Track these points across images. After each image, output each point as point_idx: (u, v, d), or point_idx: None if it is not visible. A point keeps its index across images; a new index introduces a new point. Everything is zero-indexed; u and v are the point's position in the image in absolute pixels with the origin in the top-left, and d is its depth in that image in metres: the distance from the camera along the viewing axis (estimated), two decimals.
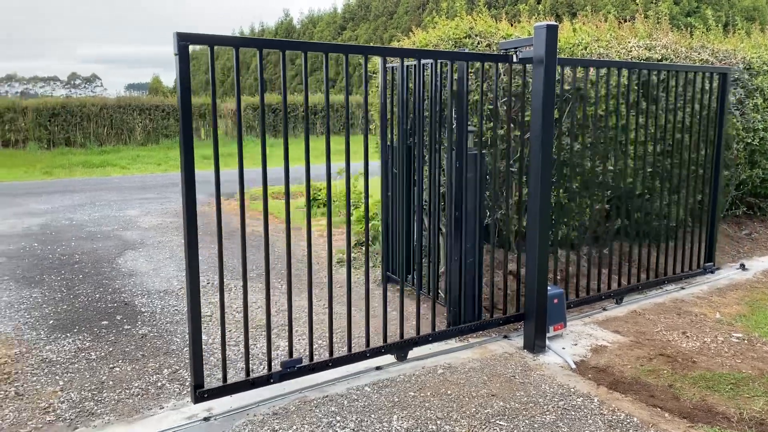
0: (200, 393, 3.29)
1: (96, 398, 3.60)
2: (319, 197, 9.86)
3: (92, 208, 10.21)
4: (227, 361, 3.60)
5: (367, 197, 3.94)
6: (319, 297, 5.08)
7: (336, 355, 3.81)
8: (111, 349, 4.33)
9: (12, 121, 20.17)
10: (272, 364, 3.57)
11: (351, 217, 8.46)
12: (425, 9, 35.08)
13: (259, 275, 5.74)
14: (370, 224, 7.00)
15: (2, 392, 3.69)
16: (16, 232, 8.35)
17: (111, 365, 4.05)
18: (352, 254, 6.32)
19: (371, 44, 35.84)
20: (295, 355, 3.90)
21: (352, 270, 5.86)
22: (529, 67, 4.24)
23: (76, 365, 4.06)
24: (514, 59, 4.14)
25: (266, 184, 3.38)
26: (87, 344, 4.40)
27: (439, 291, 4.90)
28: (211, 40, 3.11)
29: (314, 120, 24.02)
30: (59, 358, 4.18)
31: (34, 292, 5.64)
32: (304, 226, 3.85)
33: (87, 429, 3.26)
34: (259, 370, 3.88)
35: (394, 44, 5.76)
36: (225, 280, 5.67)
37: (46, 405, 3.54)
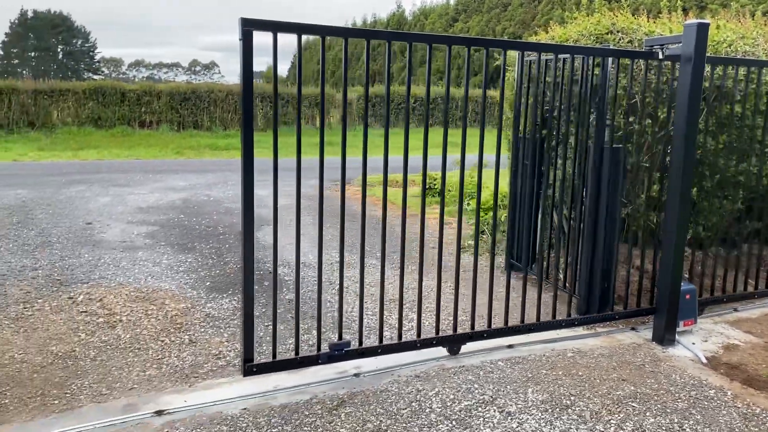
0: (249, 367, 3.46)
1: (258, 350, 4.07)
2: (434, 186, 10.17)
3: (225, 186, 11.04)
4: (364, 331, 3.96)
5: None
6: (435, 278, 5.37)
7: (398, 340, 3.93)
8: (264, 310, 4.82)
9: (148, 104, 21.89)
10: (321, 345, 3.68)
11: (468, 207, 8.64)
12: (541, 1, 34.44)
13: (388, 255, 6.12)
14: (487, 215, 7.21)
15: (179, 339, 4.25)
16: (162, 204, 9.23)
17: (266, 324, 4.53)
18: (469, 242, 6.58)
19: (483, 36, 35.66)
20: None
21: (471, 257, 6.09)
22: (670, 63, 4.29)
23: (236, 321, 4.57)
24: (660, 56, 4.21)
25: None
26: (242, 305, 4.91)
27: (560, 281, 5.04)
28: (274, 26, 3.15)
29: (420, 111, 24.39)
30: (220, 314, 4.72)
31: (188, 257, 6.30)
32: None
33: (255, 375, 3.72)
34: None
35: (528, 38, 5.90)
36: (347, 257, 6.08)
37: (217, 352, 4.05)
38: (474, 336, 4.05)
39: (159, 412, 3.27)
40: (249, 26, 3.08)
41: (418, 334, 3.92)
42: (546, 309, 4.46)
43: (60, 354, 3.98)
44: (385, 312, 4.59)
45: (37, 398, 3.41)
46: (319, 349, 3.66)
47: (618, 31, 4.90)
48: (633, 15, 5.62)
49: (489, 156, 4.01)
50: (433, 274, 4.37)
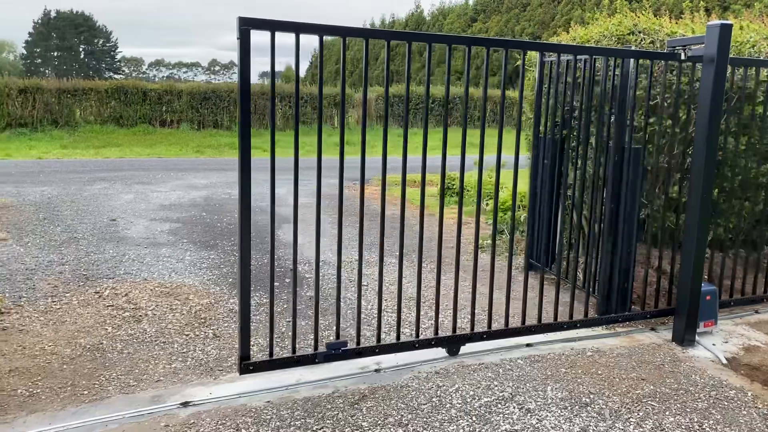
0: (245, 365, 3.47)
1: (280, 345, 4.15)
2: (453, 186, 10.22)
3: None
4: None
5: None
6: (463, 278, 5.41)
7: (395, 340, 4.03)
8: (285, 306, 4.89)
9: (169, 103, 22.13)
10: (318, 345, 3.68)
11: (487, 207, 8.63)
12: (561, 1, 34.29)
13: (405, 254, 6.18)
14: (506, 215, 7.23)
15: (203, 333, 4.34)
16: (184, 202, 9.36)
17: (288, 319, 4.61)
18: (487, 242, 6.60)
19: (502, 37, 35.58)
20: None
21: (493, 257, 6.12)
22: (695, 64, 4.30)
23: (258, 317, 4.65)
24: (683, 57, 4.21)
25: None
26: (264, 300, 5.00)
27: (579, 281, 5.05)
28: (272, 25, 3.14)
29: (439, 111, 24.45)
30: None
31: (210, 254, 6.40)
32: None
33: (279, 369, 3.78)
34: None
35: (548, 38, 5.92)
36: (369, 256, 6.12)
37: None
38: (473, 337, 4.03)
39: (185, 404, 3.35)
40: (246, 25, 3.08)
41: (417, 335, 3.92)
42: (563, 309, 4.47)
43: (88, 346, 4.08)
44: (403, 309, 4.65)
45: (67, 388, 3.51)
46: (316, 348, 3.66)
47: (640, 32, 4.90)
48: (655, 16, 5.62)
49: (507, 156, 4.04)
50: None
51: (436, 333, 3.98)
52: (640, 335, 4.47)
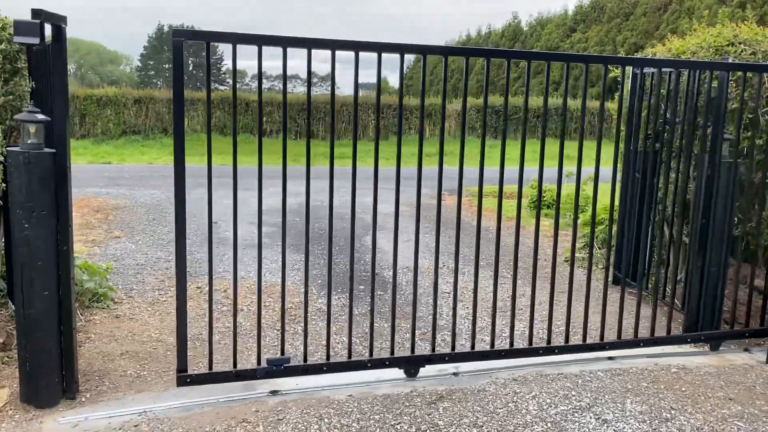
0: (181, 377, 3.47)
1: (363, 344, 4.34)
2: (544, 198, 10.10)
3: (336, 192, 11.51)
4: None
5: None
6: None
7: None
8: (369, 308, 5.08)
9: (269, 114, 23.14)
10: (261, 360, 3.67)
11: (579, 220, 8.53)
12: (666, 10, 32.95)
13: (489, 264, 6.23)
14: (595, 228, 7.11)
15: (293, 329, 4.62)
16: (279, 208, 9.79)
17: (380, 322, 4.79)
18: (577, 255, 6.51)
19: (603, 48, 34.59)
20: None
21: (579, 269, 6.05)
22: None
23: (344, 317, 4.87)
24: None
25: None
26: (346, 302, 5.21)
27: (668, 297, 4.92)
28: (208, 37, 3.21)
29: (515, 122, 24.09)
30: (330, 310, 5.03)
31: (302, 257, 6.69)
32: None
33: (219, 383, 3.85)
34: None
35: (647, 49, 5.82)
36: (458, 265, 6.21)
37: (326, 343, 4.35)
38: (433, 359, 3.86)
39: (274, 392, 3.60)
40: (180, 37, 3.14)
41: (371, 353, 3.83)
42: (652, 324, 4.39)
43: (189, 336, 4.40)
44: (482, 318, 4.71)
45: (170, 372, 3.85)
46: (259, 363, 3.65)
47: (740, 43, 4.74)
48: (758, 26, 5.40)
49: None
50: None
51: (392, 353, 3.86)
52: (732, 355, 4.32)
